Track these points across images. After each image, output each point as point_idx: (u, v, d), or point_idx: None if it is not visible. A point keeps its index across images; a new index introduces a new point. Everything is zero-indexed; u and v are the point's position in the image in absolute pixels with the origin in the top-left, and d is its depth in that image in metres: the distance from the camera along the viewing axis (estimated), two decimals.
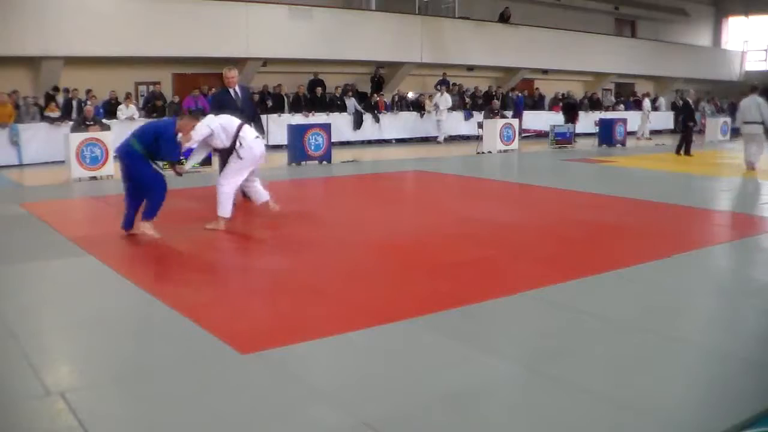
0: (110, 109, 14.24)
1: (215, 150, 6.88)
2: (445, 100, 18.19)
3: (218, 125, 6.46)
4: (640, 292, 4.64)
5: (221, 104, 7.51)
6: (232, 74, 7.70)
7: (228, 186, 6.49)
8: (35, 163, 12.43)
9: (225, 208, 6.46)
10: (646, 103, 20.77)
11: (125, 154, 5.93)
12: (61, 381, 3.19)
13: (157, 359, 3.45)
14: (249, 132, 6.58)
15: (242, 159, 6.47)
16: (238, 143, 6.44)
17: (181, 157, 6.62)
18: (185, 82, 15.94)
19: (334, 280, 4.98)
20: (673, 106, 24.12)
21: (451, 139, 18.76)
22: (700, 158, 14.69)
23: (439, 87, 18.72)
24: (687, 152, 14.96)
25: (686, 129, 15.29)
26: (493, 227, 6.83)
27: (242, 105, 7.63)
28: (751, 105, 11.94)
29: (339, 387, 3.14)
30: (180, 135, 6.02)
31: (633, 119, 20.32)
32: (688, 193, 9.41)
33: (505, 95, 20.21)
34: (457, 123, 18.99)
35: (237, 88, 7.70)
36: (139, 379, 3.21)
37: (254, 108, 8.02)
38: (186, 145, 6.22)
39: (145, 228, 5.92)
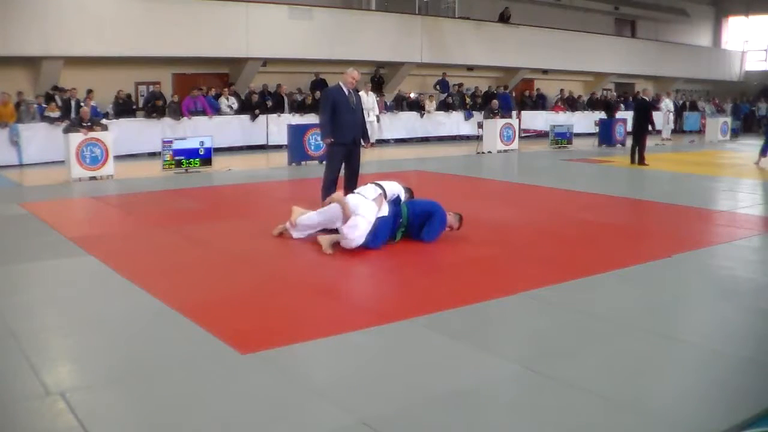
0: (117, 109, 14.26)
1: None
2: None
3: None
4: (640, 292, 4.64)
5: (335, 102, 7.13)
6: (357, 75, 7.32)
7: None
8: (35, 163, 12.43)
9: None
10: (667, 103, 20.46)
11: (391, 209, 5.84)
12: (61, 381, 3.19)
13: (157, 359, 3.45)
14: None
15: None
16: None
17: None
18: (185, 82, 15.92)
19: (334, 280, 4.98)
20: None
21: (451, 139, 18.75)
22: (701, 158, 14.68)
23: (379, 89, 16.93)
24: (641, 160, 12.90)
25: (641, 133, 13.10)
26: (493, 227, 6.82)
27: (356, 107, 7.28)
28: None
29: (339, 387, 3.15)
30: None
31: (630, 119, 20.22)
32: (688, 193, 9.41)
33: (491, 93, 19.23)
34: (458, 123, 18.98)
35: (353, 90, 7.29)
36: (139, 379, 3.21)
37: (362, 113, 7.63)
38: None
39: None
